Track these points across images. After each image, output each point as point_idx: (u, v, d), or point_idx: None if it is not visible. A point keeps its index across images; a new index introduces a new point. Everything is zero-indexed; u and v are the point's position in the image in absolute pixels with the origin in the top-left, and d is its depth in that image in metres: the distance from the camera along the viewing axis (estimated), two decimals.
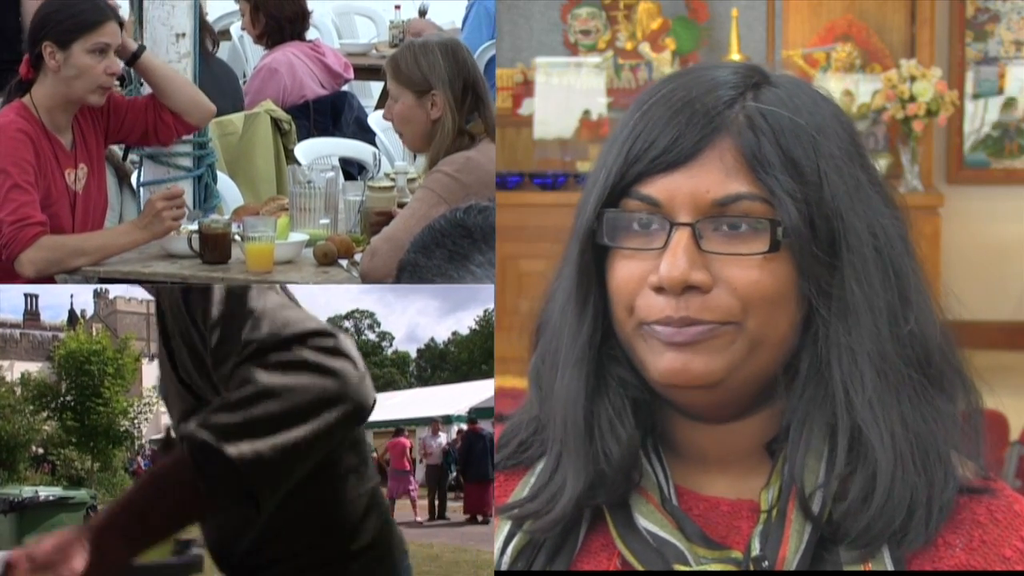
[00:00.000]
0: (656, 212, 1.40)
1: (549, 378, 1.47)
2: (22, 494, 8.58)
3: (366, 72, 7.42)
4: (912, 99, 7.29)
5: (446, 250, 1.77)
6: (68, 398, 12.59)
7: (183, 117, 4.50)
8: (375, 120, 6.30)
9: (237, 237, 4.29)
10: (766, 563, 1.39)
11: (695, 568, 1.40)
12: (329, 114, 6.26)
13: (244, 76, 6.62)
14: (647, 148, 1.41)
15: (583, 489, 1.42)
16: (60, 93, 4.25)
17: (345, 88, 6.49)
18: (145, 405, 13.15)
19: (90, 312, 15.40)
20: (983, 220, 7.93)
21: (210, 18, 6.57)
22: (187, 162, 4.76)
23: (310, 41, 6.37)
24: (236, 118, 5.49)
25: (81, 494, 9.32)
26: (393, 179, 4.77)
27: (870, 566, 1.39)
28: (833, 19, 7.71)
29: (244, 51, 7.39)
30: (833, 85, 7.23)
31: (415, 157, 5.04)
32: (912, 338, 1.42)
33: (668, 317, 1.38)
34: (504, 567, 1.46)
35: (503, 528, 1.48)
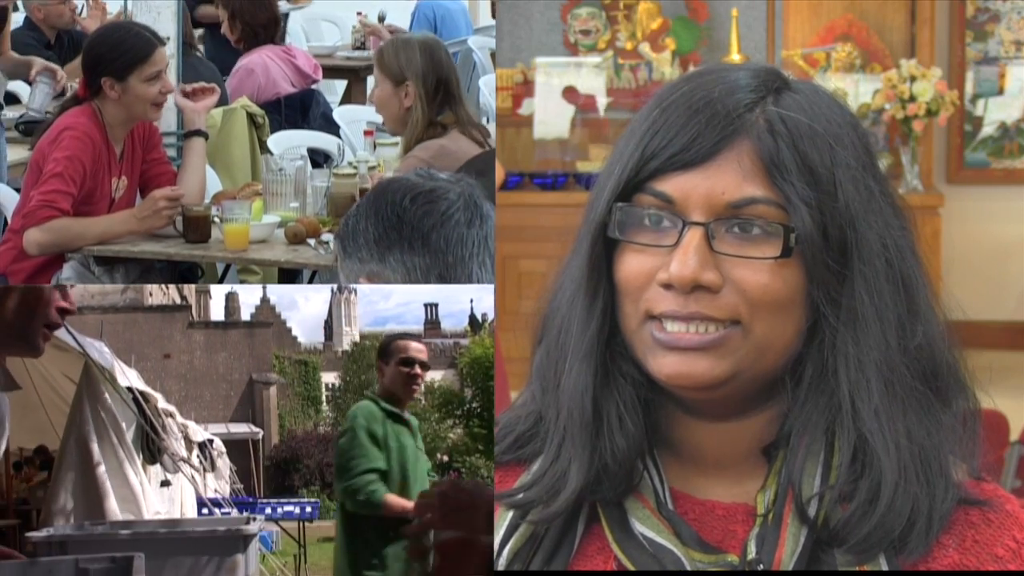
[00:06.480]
0: (669, 209, 1.40)
1: (554, 371, 1.47)
2: None
3: (331, 72, 8.25)
4: (912, 99, 7.29)
5: (372, 229, 1.80)
6: (474, 405, 12.54)
7: None
8: (339, 114, 6.91)
9: (216, 219, 4.72)
10: (762, 566, 1.39)
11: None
12: (298, 109, 6.81)
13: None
14: (665, 145, 1.40)
15: (587, 482, 1.42)
16: (122, 114, 4.66)
17: (314, 87, 7.03)
18: None
19: (491, 316, 15.61)
20: (983, 220, 7.93)
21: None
22: (172, 152, 5.21)
23: (283, 44, 6.94)
24: (216, 113, 5.88)
25: None
26: (355, 167, 5.17)
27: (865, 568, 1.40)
28: (833, 19, 7.71)
29: None
30: (833, 85, 7.21)
31: (375, 148, 5.61)
32: (920, 351, 1.42)
33: (674, 311, 1.38)
34: (501, 566, 1.46)
35: (502, 522, 1.47)
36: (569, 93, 7.79)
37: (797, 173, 1.39)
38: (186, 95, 4.93)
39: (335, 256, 1.89)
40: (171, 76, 5.16)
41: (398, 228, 1.81)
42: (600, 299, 1.44)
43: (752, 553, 1.40)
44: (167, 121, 5.28)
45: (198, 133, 4.94)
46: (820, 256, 1.39)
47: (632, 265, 1.42)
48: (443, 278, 1.82)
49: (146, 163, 4.83)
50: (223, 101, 6.11)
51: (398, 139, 5.99)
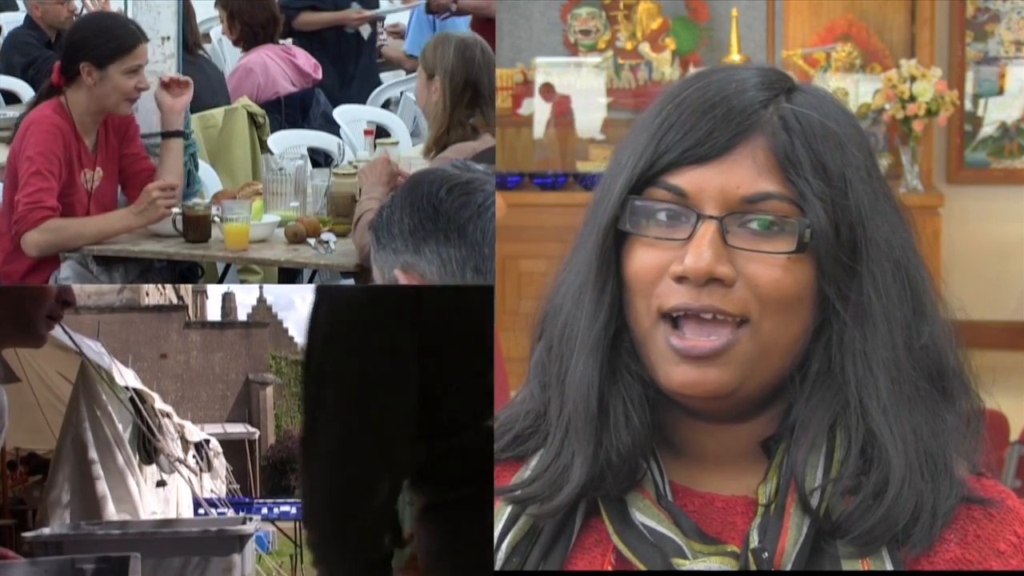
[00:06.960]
0: (683, 203, 1.40)
1: (555, 367, 1.46)
2: None
3: None
4: (912, 99, 7.28)
5: (408, 220, 1.80)
6: None
7: None
8: (339, 114, 6.90)
9: (216, 219, 4.71)
10: (766, 555, 1.39)
11: (692, 563, 1.40)
12: (299, 109, 6.83)
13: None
14: (679, 139, 1.41)
15: (591, 478, 1.42)
16: (94, 104, 4.63)
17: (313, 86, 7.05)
18: None
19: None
20: (983, 220, 7.92)
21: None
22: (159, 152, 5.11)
23: (283, 44, 6.95)
24: (216, 112, 5.97)
25: None
26: (356, 166, 5.15)
27: (868, 563, 1.39)
28: (833, 19, 7.70)
29: (222, 53, 7.93)
30: (833, 85, 7.21)
31: (375, 147, 5.64)
32: (925, 351, 1.43)
33: (687, 304, 1.38)
34: (500, 561, 1.45)
35: (501, 516, 1.46)
36: (545, 91, 7.78)
37: (811, 170, 1.40)
38: (164, 85, 4.88)
39: (369, 250, 1.87)
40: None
41: (434, 219, 1.79)
42: (608, 294, 1.43)
43: (755, 542, 1.40)
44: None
45: (177, 134, 4.91)
46: (833, 252, 1.39)
47: (643, 259, 1.41)
48: (479, 271, 1.80)
49: (125, 158, 4.81)
50: (224, 101, 6.16)
51: (397, 139, 6.05)
